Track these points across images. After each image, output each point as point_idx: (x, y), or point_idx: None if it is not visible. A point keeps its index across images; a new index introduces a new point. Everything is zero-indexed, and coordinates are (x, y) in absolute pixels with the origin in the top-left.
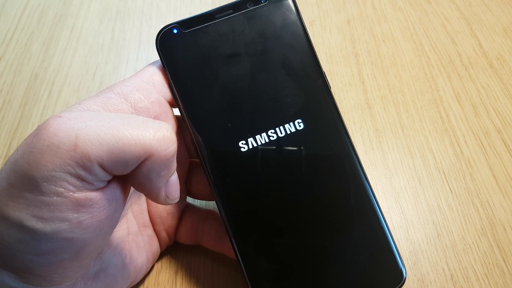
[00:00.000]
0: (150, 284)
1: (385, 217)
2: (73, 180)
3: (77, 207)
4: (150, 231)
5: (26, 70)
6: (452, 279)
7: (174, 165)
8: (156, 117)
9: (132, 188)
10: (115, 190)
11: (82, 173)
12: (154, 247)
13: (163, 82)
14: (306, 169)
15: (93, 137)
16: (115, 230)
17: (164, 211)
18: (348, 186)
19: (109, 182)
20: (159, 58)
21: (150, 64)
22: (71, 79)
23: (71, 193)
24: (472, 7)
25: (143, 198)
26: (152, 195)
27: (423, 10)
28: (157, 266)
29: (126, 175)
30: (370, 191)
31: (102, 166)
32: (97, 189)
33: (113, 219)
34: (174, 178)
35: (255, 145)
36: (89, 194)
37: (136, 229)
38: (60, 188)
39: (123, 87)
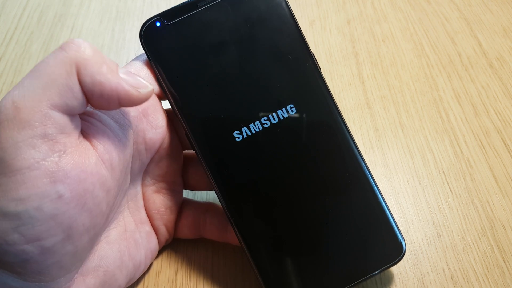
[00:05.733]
0: (150, 284)
1: (382, 193)
2: (38, 143)
3: (52, 178)
4: (147, 227)
5: (26, 70)
6: (452, 279)
7: (109, 60)
8: (144, 110)
9: (127, 184)
10: (85, 162)
11: (40, 130)
12: (153, 243)
13: (150, 75)
14: (301, 152)
15: (25, 90)
16: (112, 227)
17: (162, 206)
18: (343, 165)
19: (78, 153)
20: (144, 52)
21: (135, 58)
22: None
23: (41, 162)
24: (472, 7)
25: (139, 194)
26: (121, 96)
27: (423, 10)
28: (157, 266)
29: (90, 104)
30: (366, 168)
31: (55, 107)
32: (66, 154)
33: (95, 197)
34: (127, 70)
35: (249, 134)
36: (59, 160)
37: (133, 226)
38: (29, 159)
39: None
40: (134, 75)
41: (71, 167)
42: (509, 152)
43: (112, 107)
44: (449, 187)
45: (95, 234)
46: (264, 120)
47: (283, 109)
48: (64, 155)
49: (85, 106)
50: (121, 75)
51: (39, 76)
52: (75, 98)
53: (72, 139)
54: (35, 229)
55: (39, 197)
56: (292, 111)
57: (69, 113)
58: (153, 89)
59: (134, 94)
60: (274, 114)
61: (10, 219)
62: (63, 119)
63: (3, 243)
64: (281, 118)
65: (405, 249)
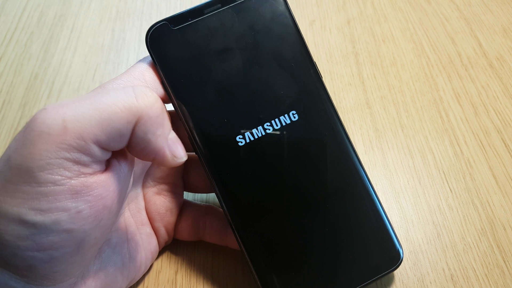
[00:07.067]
0: (150, 284)
1: (380, 201)
2: (69, 165)
3: (75, 195)
4: (148, 229)
5: (26, 70)
6: (452, 279)
7: (167, 122)
8: None
9: (128, 188)
10: (109, 181)
11: (77, 155)
12: (153, 245)
13: (155, 78)
14: (302, 158)
15: (80, 116)
16: (113, 229)
17: (163, 208)
18: (342, 172)
19: (104, 172)
20: (149, 55)
21: (140, 61)
22: (71, 79)
23: (67, 180)
24: (472, 7)
25: (140, 196)
26: (158, 157)
27: (423, 10)
28: (157, 266)
29: (126, 148)
30: (365, 175)
31: (98, 143)
32: (94, 174)
33: (111, 212)
34: (174, 136)
35: (252, 138)
36: (86, 180)
37: (134, 228)
38: (56, 176)
39: (115, 84)
40: (177, 143)
41: (95, 186)
42: (509, 152)
43: (144, 160)
44: (449, 187)
45: (101, 243)
46: (267, 125)
47: (286, 115)
48: (91, 176)
49: (123, 147)
50: (169, 140)
51: (101, 109)
52: (121, 142)
53: (102, 164)
54: (49, 239)
55: (58, 210)
56: (294, 117)
57: (107, 149)
58: (186, 159)
59: (169, 160)
60: (277, 120)
61: (27, 226)
62: (99, 152)
63: (15, 247)
64: (284, 124)
65: (403, 257)
